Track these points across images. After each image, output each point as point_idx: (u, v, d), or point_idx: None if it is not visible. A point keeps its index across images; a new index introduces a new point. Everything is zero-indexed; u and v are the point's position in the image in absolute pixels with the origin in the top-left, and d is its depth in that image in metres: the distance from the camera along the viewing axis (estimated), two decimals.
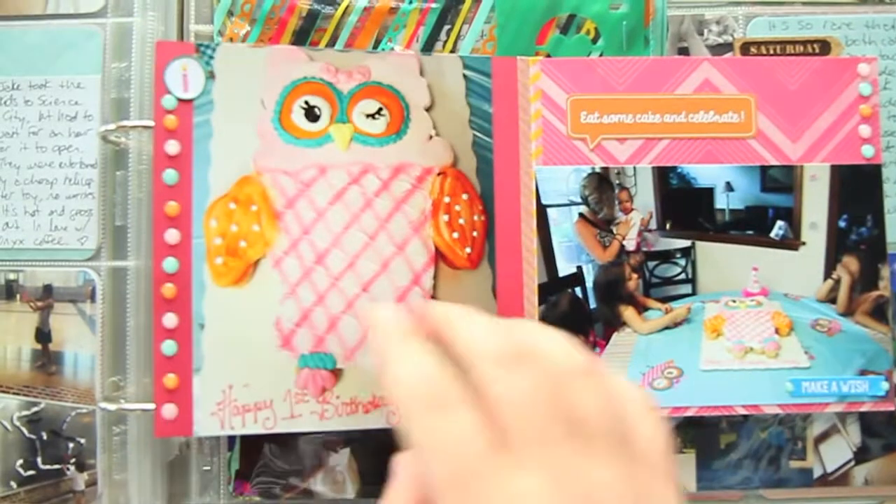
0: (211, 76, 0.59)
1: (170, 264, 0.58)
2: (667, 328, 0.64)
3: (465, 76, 0.63)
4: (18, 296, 0.65)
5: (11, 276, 0.66)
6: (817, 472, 0.67)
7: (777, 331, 0.64)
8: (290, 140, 0.61)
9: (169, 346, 0.58)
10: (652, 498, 0.32)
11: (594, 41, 0.67)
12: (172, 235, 0.58)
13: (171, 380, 0.58)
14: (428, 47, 0.67)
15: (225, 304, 0.59)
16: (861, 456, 0.67)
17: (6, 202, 0.66)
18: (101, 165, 0.66)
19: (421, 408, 0.33)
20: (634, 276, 0.64)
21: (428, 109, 0.62)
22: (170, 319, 0.58)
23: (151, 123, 0.60)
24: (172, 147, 0.58)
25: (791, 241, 0.65)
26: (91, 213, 0.66)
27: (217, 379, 0.58)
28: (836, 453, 0.67)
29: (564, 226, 0.64)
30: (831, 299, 0.65)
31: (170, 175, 0.58)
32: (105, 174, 0.66)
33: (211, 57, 0.59)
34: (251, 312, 0.59)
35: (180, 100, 0.58)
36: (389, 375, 0.35)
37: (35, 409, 0.65)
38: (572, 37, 0.67)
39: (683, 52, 0.68)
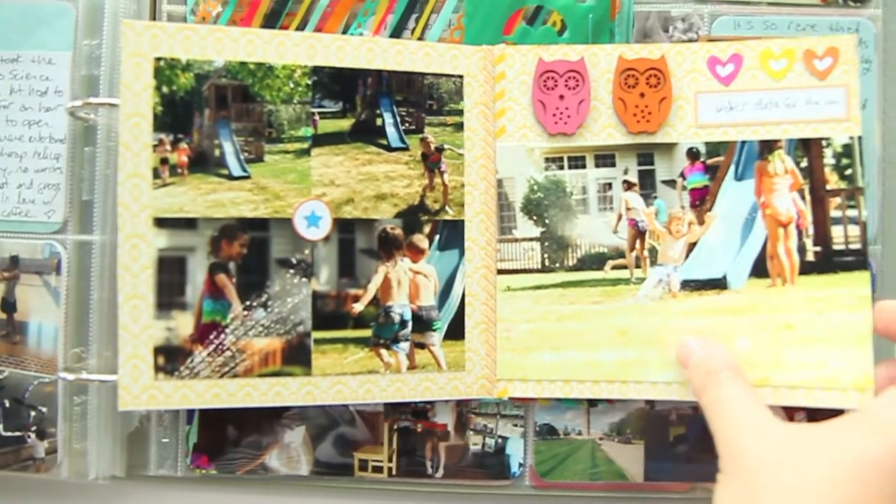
0: None
1: None
2: None
3: None
4: None
5: None
6: None
7: None
8: None
9: None
10: None
11: (560, 33, 0.68)
12: None
13: None
14: (396, 34, 0.68)
15: None
16: None
17: None
18: (69, 141, 0.66)
19: None
20: None
21: None
22: None
23: (118, 101, 0.60)
24: None
25: None
26: (59, 188, 0.66)
27: None
28: None
29: None
30: None
31: None
32: (74, 150, 0.67)
33: None
34: None
35: None
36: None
37: None
38: (538, 28, 0.68)
39: None
